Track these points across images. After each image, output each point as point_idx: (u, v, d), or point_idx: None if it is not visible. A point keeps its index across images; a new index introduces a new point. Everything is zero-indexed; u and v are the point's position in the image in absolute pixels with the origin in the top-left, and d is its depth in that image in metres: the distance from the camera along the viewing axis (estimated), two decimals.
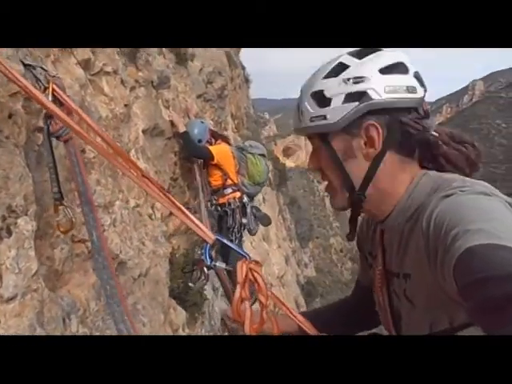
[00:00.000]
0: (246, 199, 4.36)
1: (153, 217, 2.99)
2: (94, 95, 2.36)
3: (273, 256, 10.44)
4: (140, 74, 3.39)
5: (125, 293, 2.00)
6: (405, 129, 0.95)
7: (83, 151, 2.00)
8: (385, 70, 0.94)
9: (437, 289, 0.83)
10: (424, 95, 0.97)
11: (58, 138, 1.53)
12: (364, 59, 0.96)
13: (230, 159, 4.31)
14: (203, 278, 1.37)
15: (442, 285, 0.80)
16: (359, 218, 1.09)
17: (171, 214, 1.45)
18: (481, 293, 0.68)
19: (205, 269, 1.32)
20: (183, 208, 1.36)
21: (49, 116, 1.46)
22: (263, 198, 9.84)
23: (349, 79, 0.94)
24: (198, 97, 5.19)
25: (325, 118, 0.96)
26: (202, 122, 4.40)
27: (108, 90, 2.54)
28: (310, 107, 0.98)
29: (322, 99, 0.97)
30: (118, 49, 2.90)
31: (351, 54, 0.98)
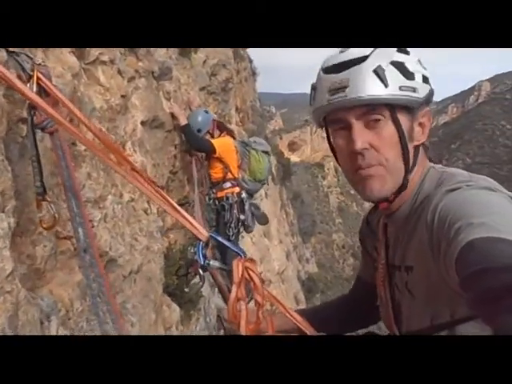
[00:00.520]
0: (244, 195, 4.29)
1: (148, 211, 2.91)
2: (89, 85, 2.27)
3: (273, 251, 10.38)
4: (140, 64, 3.29)
5: (114, 291, 1.93)
6: None
7: (74, 144, 1.93)
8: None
9: (439, 281, 0.84)
10: None
11: (42, 129, 1.46)
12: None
13: (232, 153, 4.24)
14: (199, 280, 1.32)
15: (445, 277, 0.81)
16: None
17: None
18: (480, 284, 0.69)
19: (200, 271, 1.25)
20: (174, 203, 1.30)
21: (32, 106, 1.39)
22: (265, 193, 9.78)
23: (420, 61, 0.95)
24: (201, 89, 5.09)
25: (414, 90, 0.92)
26: (207, 112, 4.32)
27: (104, 79, 2.45)
28: (396, 76, 0.90)
29: (405, 71, 0.91)
30: None
31: None
